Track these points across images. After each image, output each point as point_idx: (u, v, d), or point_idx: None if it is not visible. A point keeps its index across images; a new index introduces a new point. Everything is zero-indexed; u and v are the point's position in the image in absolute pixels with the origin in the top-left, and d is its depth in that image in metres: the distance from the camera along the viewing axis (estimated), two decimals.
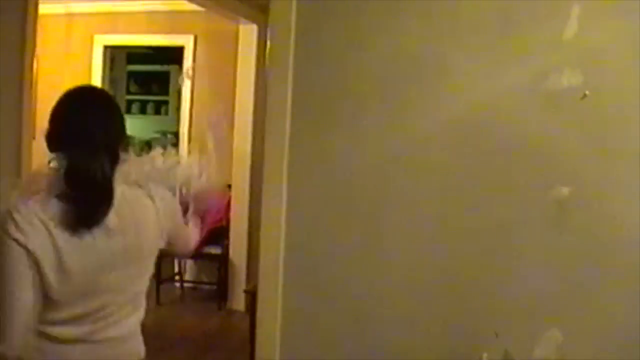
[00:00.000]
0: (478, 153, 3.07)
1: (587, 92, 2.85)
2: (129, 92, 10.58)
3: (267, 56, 3.38)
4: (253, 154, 6.78)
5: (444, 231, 3.15)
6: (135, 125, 11.41)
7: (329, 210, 3.28)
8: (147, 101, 11.58)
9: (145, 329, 2.28)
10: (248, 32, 6.78)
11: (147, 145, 11.91)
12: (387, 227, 3.22)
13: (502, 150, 3.03)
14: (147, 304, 2.30)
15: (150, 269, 2.29)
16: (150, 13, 7.66)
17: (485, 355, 3.06)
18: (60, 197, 1.96)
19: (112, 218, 2.05)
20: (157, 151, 2.65)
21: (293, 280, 3.32)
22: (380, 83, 3.19)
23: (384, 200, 3.22)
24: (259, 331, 3.42)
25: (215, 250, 6.99)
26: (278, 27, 3.30)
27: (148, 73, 11.27)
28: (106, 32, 7.90)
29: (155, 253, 2.29)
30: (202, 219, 2.84)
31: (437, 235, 3.16)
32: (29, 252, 1.90)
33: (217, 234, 6.88)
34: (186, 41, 7.61)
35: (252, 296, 4.09)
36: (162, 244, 2.31)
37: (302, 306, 3.33)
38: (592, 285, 2.91)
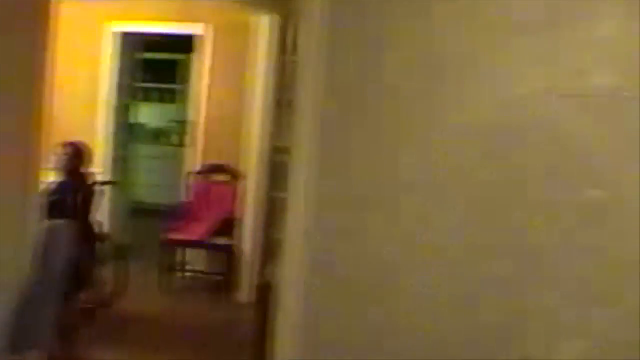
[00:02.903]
0: (510, 156, 3.03)
1: (626, 94, 2.81)
2: (140, 80, 10.58)
3: (298, 53, 3.35)
4: (263, 146, 6.74)
5: (474, 234, 3.10)
6: (148, 113, 11.45)
7: (353, 207, 3.24)
8: (159, 89, 11.61)
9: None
10: (263, 22, 6.73)
11: (159, 133, 12.06)
12: (413, 228, 3.17)
13: (535, 153, 2.99)
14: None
15: None
16: (164, 0, 7.62)
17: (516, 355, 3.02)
18: None
19: None
20: None
21: (315, 277, 3.28)
22: (409, 81, 3.14)
23: (409, 201, 3.17)
24: (278, 327, 3.39)
25: (223, 241, 6.95)
26: (309, 22, 3.27)
27: (160, 61, 11.29)
28: (118, 19, 7.85)
29: None
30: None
31: (466, 239, 3.11)
32: None
33: (227, 225, 6.87)
34: (200, 30, 7.56)
35: (263, 290, 4.07)
36: None
37: (324, 303, 3.29)
38: (628, 290, 2.87)
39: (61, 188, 5.74)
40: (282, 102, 6.11)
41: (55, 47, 7.73)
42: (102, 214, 7.67)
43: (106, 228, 7.81)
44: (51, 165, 5.93)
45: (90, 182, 6.15)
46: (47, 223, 4.26)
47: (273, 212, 6.49)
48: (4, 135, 3.40)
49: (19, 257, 3.62)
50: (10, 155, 3.46)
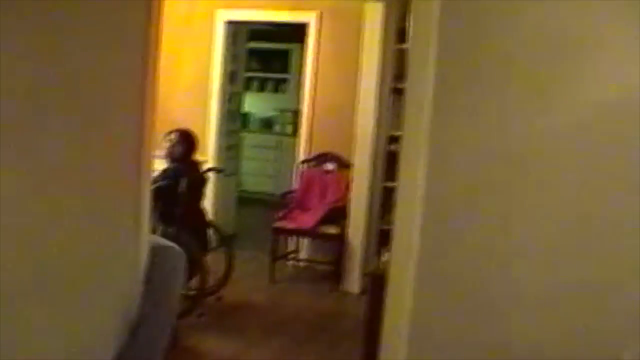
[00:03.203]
0: (632, 141, 2.82)
1: None
2: (249, 69, 10.63)
3: (410, 29, 3.24)
4: (374, 134, 6.65)
5: (587, 223, 2.95)
6: (254, 102, 11.53)
7: (465, 193, 3.10)
8: (267, 79, 11.66)
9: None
10: (373, 10, 6.60)
11: (268, 122, 12.14)
12: (525, 217, 3.03)
13: None
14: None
15: None
16: None
17: (626, 354, 2.86)
18: None
19: None
20: None
21: (425, 267, 3.16)
22: (526, 59, 2.98)
23: (524, 187, 3.02)
24: (385, 319, 3.28)
25: (332, 230, 6.88)
26: (419, 8, 3.16)
27: (269, 50, 11.33)
28: (228, 8, 7.86)
29: None
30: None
31: (579, 227, 2.96)
32: None
33: (336, 214, 6.79)
34: (310, 18, 7.49)
35: (372, 279, 4.00)
36: None
37: (434, 293, 3.18)
38: None
39: (168, 174, 5.77)
40: (398, 91, 6.02)
41: (162, 35, 7.88)
42: (209, 202, 7.75)
43: (213, 216, 7.89)
44: (160, 153, 5.99)
45: (199, 169, 6.17)
46: (160, 242, 4.33)
47: (386, 201, 6.42)
48: (115, 124, 3.39)
49: (133, 246, 3.59)
50: (123, 145, 3.46)
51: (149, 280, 3.90)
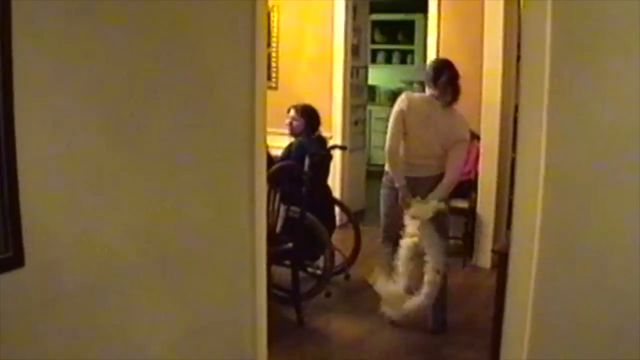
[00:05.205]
0: None
1: None
2: (373, 42, 10.49)
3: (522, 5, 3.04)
4: (502, 104, 6.45)
5: None
6: (380, 75, 11.42)
7: (589, 169, 2.87)
8: (392, 50, 11.51)
9: None
10: None
11: (394, 95, 12.02)
12: None
13: None
14: None
15: None
16: None
17: None
18: None
19: None
20: None
21: (548, 248, 2.97)
22: None
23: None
24: (509, 300, 3.14)
25: (462, 204, 6.72)
26: None
27: (392, 22, 11.17)
28: None
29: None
30: None
31: None
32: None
33: (465, 187, 6.61)
34: None
35: (499, 256, 3.86)
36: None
37: (557, 277, 2.99)
38: None
39: (291, 150, 5.75)
40: None
41: (285, 10, 7.86)
42: (337, 178, 7.70)
43: (341, 191, 7.84)
44: (284, 129, 5.99)
45: (324, 145, 6.12)
46: None
47: (507, 172, 6.21)
48: (225, 110, 3.37)
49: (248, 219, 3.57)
50: (235, 132, 3.43)
51: None
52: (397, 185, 5.05)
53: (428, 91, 5.16)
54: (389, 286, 5.04)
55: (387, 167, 5.22)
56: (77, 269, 2.63)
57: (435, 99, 5.07)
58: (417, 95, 5.27)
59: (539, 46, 2.86)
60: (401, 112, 5.01)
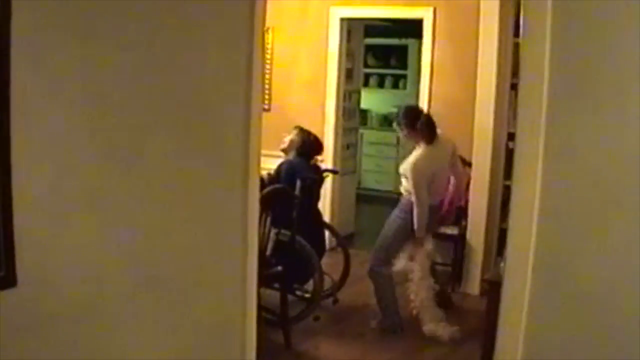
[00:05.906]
0: None
1: None
2: (366, 65, 10.52)
3: (521, 28, 3.05)
4: (494, 131, 6.44)
5: None
6: (372, 99, 11.45)
7: (585, 202, 2.88)
8: (385, 75, 11.55)
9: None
10: (490, 6, 6.40)
11: (386, 119, 12.06)
12: None
13: None
14: None
15: None
16: None
17: None
18: None
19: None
20: None
21: (542, 280, 2.97)
22: None
23: None
24: (500, 331, 3.14)
25: (452, 230, 6.71)
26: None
27: (386, 46, 11.22)
28: (343, 5, 7.81)
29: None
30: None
31: None
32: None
33: (455, 214, 6.61)
34: (424, 13, 7.33)
35: (490, 285, 3.86)
36: None
37: (550, 309, 2.98)
38: None
39: (281, 170, 5.77)
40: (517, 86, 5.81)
41: (280, 33, 7.89)
42: (327, 201, 7.69)
43: (331, 214, 7.83)
44: (279, 150, 6.01)
45: (315, 169, 6.13)
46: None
47: (507, 201, 6.20)
48: (221, 127, 3.37)
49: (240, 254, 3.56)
50: (229, 150, 3.43)
51: None
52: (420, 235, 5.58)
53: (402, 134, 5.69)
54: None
55: (403, 191, 5.59)
56: (69, 289, 2.63)
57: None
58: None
59: (538, 73, 2.88)
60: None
